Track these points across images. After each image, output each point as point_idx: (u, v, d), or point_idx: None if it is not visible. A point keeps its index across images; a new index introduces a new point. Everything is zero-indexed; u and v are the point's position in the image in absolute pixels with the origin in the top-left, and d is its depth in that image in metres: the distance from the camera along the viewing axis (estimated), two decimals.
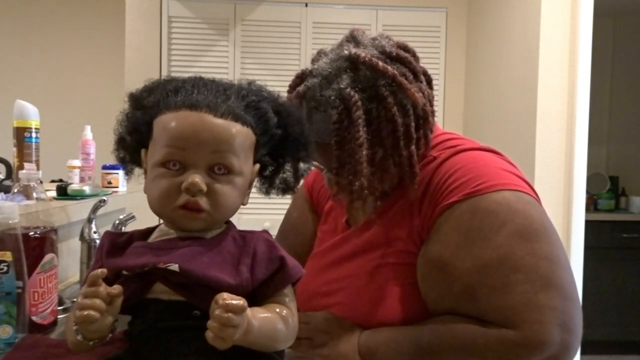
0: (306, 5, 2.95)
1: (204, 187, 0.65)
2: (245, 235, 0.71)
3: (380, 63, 0.78)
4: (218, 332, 0.57)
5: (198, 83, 0.71)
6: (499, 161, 0.85)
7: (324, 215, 1.05)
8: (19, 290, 0.83)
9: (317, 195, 1.08)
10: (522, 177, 0.84)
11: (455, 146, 0.87)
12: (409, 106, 0.80)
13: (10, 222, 0.82)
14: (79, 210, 1.36)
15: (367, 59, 0.78)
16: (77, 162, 1.80)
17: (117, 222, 1.40)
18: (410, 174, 0.84)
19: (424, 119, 0.83)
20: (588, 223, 2.38)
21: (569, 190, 2.28)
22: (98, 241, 1.12)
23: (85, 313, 0.58)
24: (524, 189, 0.80)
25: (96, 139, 1.81)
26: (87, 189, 1.47)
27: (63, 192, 1.44)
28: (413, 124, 0.81)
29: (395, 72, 0.79)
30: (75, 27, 3.86)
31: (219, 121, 0.67)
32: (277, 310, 0.67)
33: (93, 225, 1.34)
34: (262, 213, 2.82)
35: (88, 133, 1.80)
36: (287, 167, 0.79)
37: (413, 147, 0.82)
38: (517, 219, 0.76)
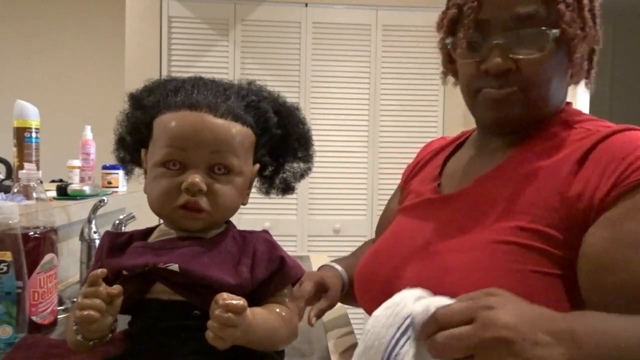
0: (306, 5, 2.95)
1: (204, 187, 0.65)
2: (245, 235, 0.71)
3: None
4: (218, 332, 0.57)
5: (198, 83, 0.71)
6: None
7: (405, 194, 0.93)
8: (19, 290, 0.83)
9: (409, 175, 0.98)
10: None
11: (606, 124, 0.78)
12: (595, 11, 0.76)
13: (10, 222, 0.82)
14: (79, 210, 1.36)
15: None
16: (77, 162, 1.80)
17: (117, 222, 1.40)
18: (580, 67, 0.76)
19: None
20: None
21: None
22: (98, 241, 1.12)
23: (85, 313, 0.58)
24: None
25: (96, 139, 1.81)
26: (87, 189, 1.47)
27: (63, 192, 1.44)
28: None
29: None
30: (75, 27, 3.86)
31: (219, 121, 0.67)
32: (277, 310, 0.67)
33: (93, 225, 1.34)
34: (262, 213, 2.82)
35: (88, 133, 1.80)
36: (287, 167, 0.79)
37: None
38: None
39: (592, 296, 0.64)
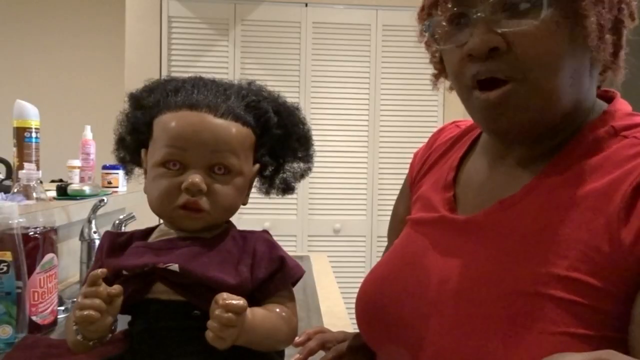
0: (306, 5, 2.95)
1: (204, 187, 0.65)
2: (246, 235, 0.71)
3: None
4: (218, 332, 0.57)
5: (198, 83, 0.71)
6: None
7: (414, 196, 0.78)
8: (19, 290, 0.83)
9: (420, 171, 0.81)
10: None
11: None
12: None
13: (10, 222, 0.82)
14: (79, 210, 1.36)
15: None
16: (77, 162, 1.80)
17: (117, 222, 1.40)
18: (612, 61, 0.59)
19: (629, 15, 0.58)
20: None
21: None
22: (98, 241, 1.12)
23: (85, 313, 0.58)
24: None
25: (96, 139, 1.81)
26: (87, 189, 1.47)
27: (63, 192, 1.44)
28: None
29: None
30: (75, 27, 3.86)
31: (219, 121, 0.67)
32: (277, 310, 0.67)
33: (93, 225, 1.34)
34: (262, 213, 2.82)
35: (88, 133, 1.80)
36: (287, 167, 0.79)
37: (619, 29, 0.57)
38: None
39: None
